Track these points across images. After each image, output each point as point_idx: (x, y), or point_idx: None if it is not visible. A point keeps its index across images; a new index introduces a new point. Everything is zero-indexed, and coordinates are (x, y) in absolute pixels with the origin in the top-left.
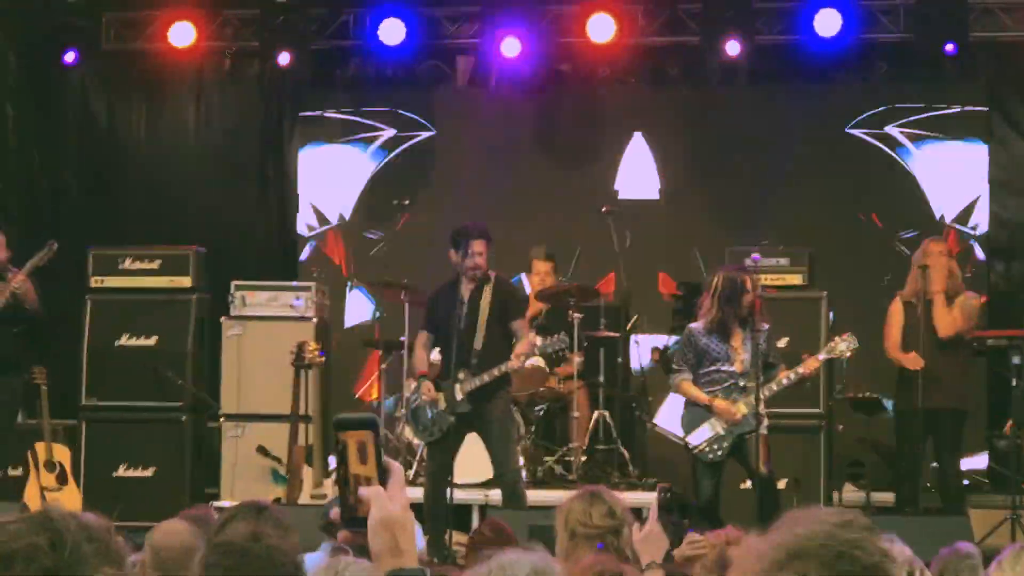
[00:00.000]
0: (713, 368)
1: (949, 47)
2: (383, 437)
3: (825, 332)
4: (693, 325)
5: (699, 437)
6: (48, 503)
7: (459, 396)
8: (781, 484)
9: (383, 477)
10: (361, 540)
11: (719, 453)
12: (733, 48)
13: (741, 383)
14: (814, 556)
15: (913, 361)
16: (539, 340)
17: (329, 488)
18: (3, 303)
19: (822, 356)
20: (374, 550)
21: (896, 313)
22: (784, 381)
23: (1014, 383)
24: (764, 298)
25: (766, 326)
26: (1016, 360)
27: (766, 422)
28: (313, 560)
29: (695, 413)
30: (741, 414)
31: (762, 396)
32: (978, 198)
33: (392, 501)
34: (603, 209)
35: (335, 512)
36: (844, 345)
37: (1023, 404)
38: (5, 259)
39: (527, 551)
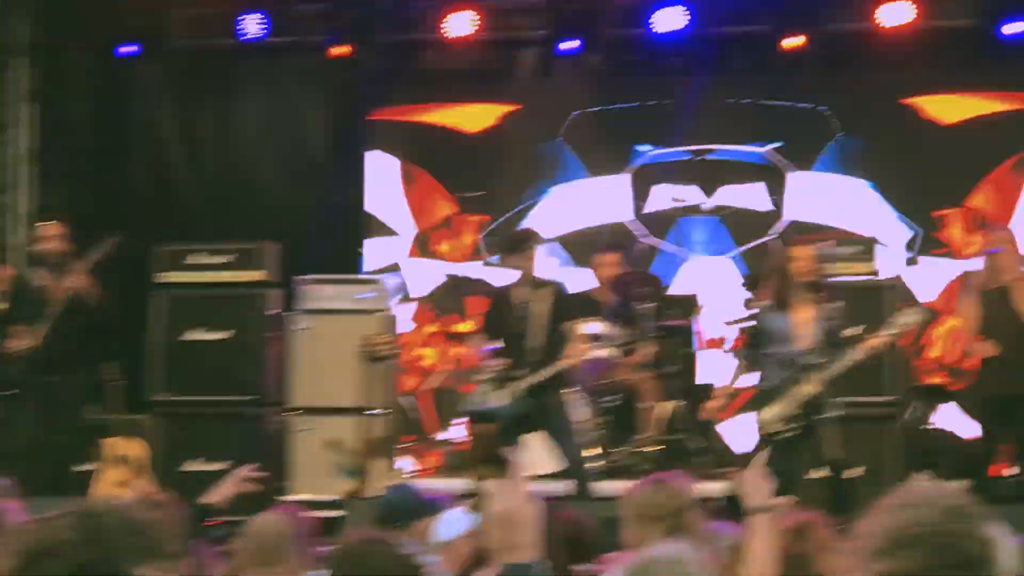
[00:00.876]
0: (780, 347)
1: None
2: None
3: None
4: (761, 304)
5: (771, 416)
6: (97, 498)
7: (517, 393)
8: (854, 473)
9: (503, 470)
10: None
11: (790, 434)
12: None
13: (803, 361)
14: (919, 546)
15: (987, 348)
16: (608, 330)
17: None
18: (63, 299)
19: (889, 330)
20: (490, 546)
21: (970, 305)
22: (853, 359)
23: None
24: (833, 286)
25: (837, 304)
26: None
27: (836, 408)
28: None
29: (767, 392)
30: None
31: (830, 376)
32: None
33: (511, 495)
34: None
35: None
36: (909, 317)
37: None
38: (64, 251)
39: (666, 545)
